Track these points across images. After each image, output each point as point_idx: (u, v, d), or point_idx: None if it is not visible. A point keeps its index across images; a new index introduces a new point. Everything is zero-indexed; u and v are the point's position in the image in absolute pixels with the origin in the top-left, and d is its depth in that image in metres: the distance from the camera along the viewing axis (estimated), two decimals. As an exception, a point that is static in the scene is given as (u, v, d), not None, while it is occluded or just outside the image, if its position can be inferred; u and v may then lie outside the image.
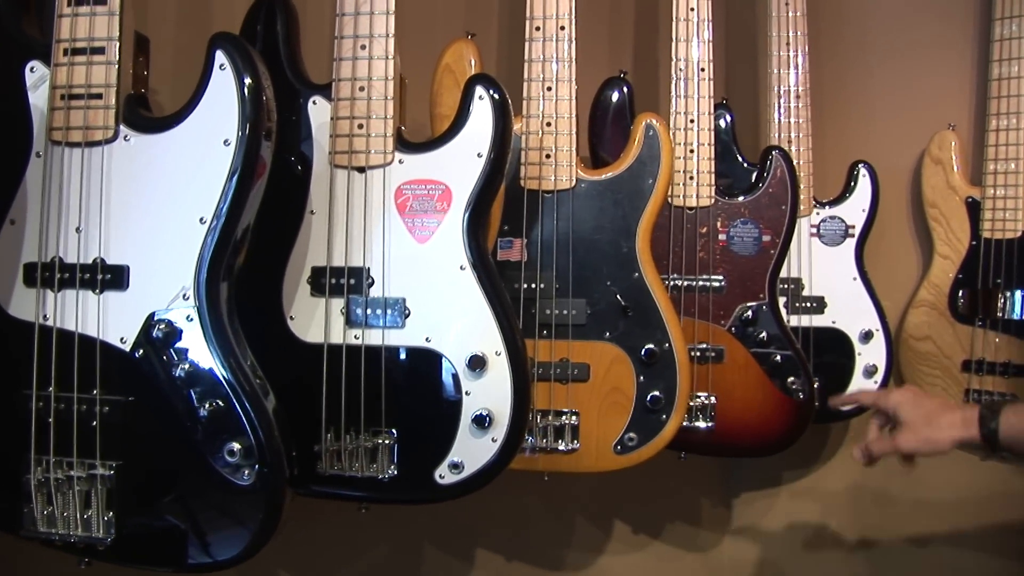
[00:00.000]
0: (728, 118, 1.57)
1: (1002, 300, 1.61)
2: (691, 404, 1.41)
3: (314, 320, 1.09)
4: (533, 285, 1.24)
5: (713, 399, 1.42)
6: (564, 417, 1.24)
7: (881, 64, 1.78)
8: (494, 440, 1.07)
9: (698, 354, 1.41)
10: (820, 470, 1.88)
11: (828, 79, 1.79)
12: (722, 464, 1.89)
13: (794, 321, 1.59)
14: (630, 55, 1.73)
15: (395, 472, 1.08)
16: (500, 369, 1.07)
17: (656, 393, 1.22)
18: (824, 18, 1.79)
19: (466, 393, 1.07)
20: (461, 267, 1.07)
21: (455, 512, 1.49)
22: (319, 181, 1.10)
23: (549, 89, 1.24)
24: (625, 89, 1.44)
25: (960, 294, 1.65)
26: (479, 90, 1.08)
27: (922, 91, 1.76)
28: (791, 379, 1.42)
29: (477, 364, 1.06)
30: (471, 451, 1.07)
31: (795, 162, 1.58)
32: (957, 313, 1.66)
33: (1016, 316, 1.61)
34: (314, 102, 1.10)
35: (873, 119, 1.79)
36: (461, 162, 1.08)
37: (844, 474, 1.86)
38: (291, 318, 1.10)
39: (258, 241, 1.11)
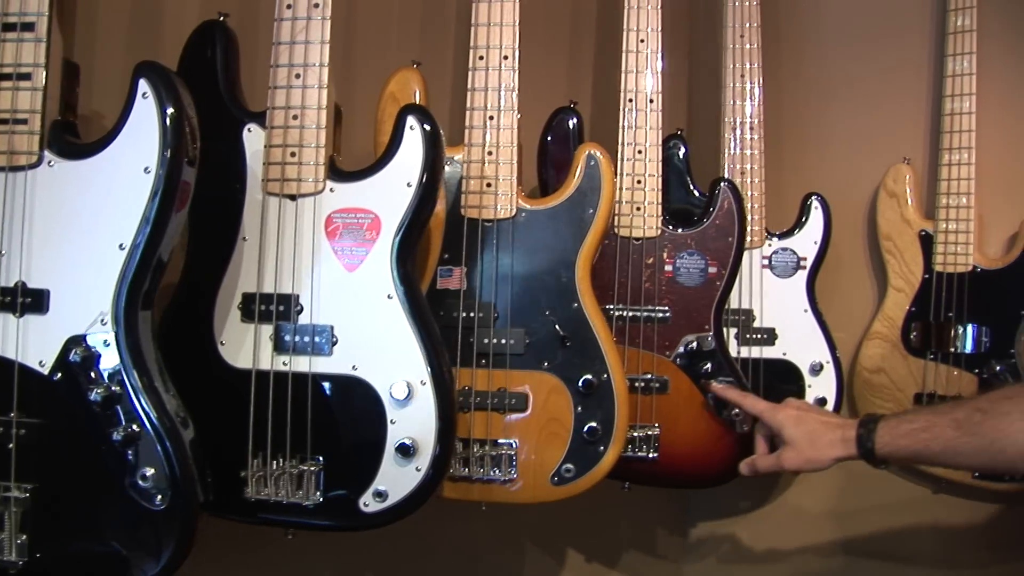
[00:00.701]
0: (683, 149, 1.58)
1: (953, 334, 1.61)
2: (635, 435, 1.41)
3: (244, 346, 1.09)
4: (472, 314, 1.24)
5: (657, 430, 1.42)
6: (501, 447, 1.24)
7: (839, 97, 1.80)
8: (418, 469, 1.07)
9: (643, 385, 1.41)
10: (777, 499, 1.88)
11: (787, 111, 1.80)
12: (679, 493, 1.89)
13: (745, 352, 1.59)
14: (589, 85, 1.74)
15: (320, 499, 1.08)
16: (425, 399, 1.07)
17: (593, 424, 1.22)
18: (784, 50, 1.80)
19: (391, 422, 1.07)
20: (388, 296, 1.08)
21: (401, 539, 1.48)
22: (252, 208, 1.10)
23: (491, 118, 1.25)
24: (575, 119, 1.45)
25: (913, 327, 1.66)
26: (410, 120, 1.08)
27: (880, 124, 1.77)
28: (735, 411, 1.42)
29: (402, 393, 1.06)
30: (395, 480, 1.07)
31: (749, 193, 1.59)
32: (910, 346, 1.66)
33: (967, 350, 1.61)
34: (249, 129, 1.11)
35: (831, 151, 1.80)
36: (390, 192, 1.08)
37: (802, 501, 1.85)
38: (222, 343, 1.10)
39: (193, 266, 1.13)
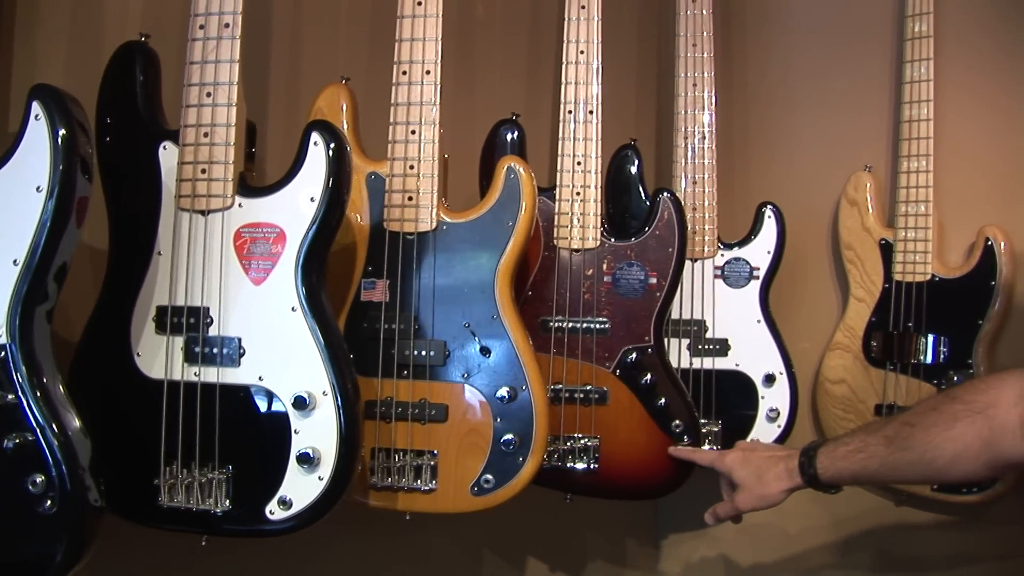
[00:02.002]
0: (636, 159, 1.58)
1: (913, 344, 1.58)
2: (574, 446, 1.42)
3: (158, 357, 1.12)
4: (394, 326, 1.26)
5: (597, 441, 1.42)
6: (422, 457, 1.26)
7: (803, 104, 1.78)
8: (320, 478, 1.09)
9: (582, 396, 1.42)
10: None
11: (751, 120, 1.79)
12: (648, 503, 1.88)
13: (697, 364, 1.59)
14: (549, 97, 1.75)
15: (229, 506, 1.11)
16: (327, 409, 1.09)
17: (511, 436, 1.23)
18: (744, 59, 1.80)
19: (295, 431, 1.09)
20: (292, 308, 1.10)
21: (352, 549, 1.51)
22: (166, 223, 1.13)
23: (413, 132, 1.27)
24: (515, 132, 1.46)
25: (873, 337, 1.63)
26: (314, 136, 1.11)
27: (844, 132, 1.75)
28: (675, 422, 1.42)
29: (304, 404, 1.08)
30: (299, 488, 1.09)
31: (702, 203, 1.59)
32: (871, 356, 1.64)
33: (927, 360, 1.58)
34: (164, 147, 1.14)
35: (795, 160, 1.79)
36: (295, 206, 1.11)
37: (771, 513, 1.82)
38: (138, 355, 1.13)
39: (112, 279, 1.16)
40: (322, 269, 1.13)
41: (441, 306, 1.26)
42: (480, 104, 1.64)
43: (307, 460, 1.08)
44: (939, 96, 1.58)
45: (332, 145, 1.11)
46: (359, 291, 1.28)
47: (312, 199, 1.10)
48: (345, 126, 1.30)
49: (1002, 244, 1.54)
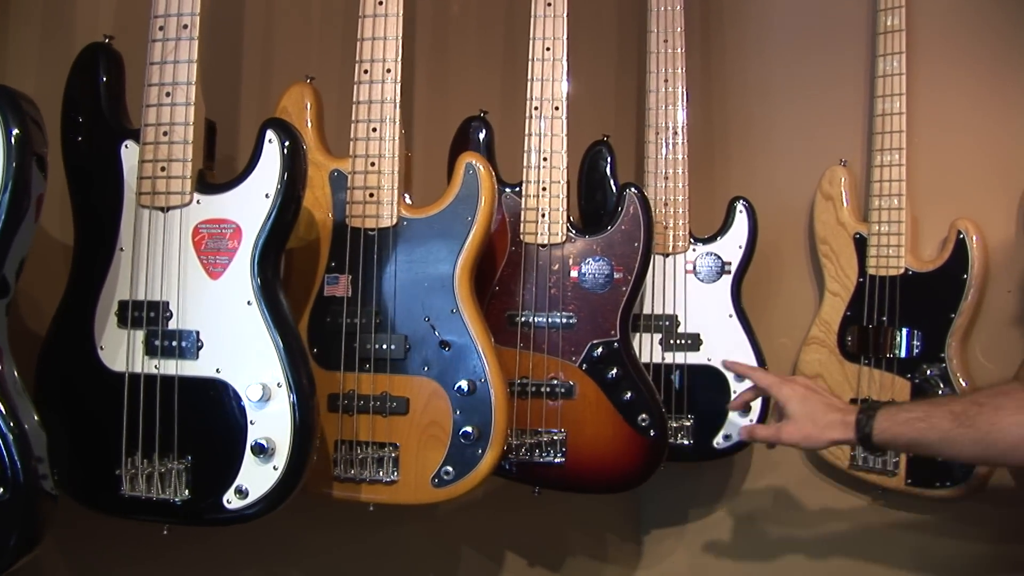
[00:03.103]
0: (608, 155, 1.59)
1: (887, 338, 1.58)
2: (541, 439, 1.43)
3: (120, 350, 1.15)
4: (356, 320, 1.28)
5: (563, 435, 1.43)
6: (384, 449, 1.28)
7: (779, 100, 1.79)
8: (276, 468, 1.11)
9: (548, 390, 1.43)
10: (729, 506, 1.87)
11: (729, 115, 1.80)
12: (631, 497, 1.89)
13: (669, 358, 1.59)
14: (524, 93, 1.76)
15: (188, 496, 1.13)
16: (282, 400, 1.11)
17: (470, 428, 1.24)
18: (719, 55, 1.80)
19: (251, 422, 1.12)
20: (248, 302, 1.12)
21: (330, 543, 1.53)
22: (128, 220, 1.16)
23: (374, 130, 1.29)
24: (484, 128, 1.48)
25: (848, 332, 1.63)
26: (268, 134, 1.13)
27: (820, 127, 1.76)
28: (642, 416, 1.43)
29: (260, 395, 1.11)
30: (255, 478, 1.11)
31: (673, 198, 1.60)
32: (846, 351, 1.64)
33: (900, 355, 1.58)
34: (126, 146, 1.17)
35: (772, 155, 1.80)
36: (251, 203, 1.13)
37: (754, 509, 1.84)
38: (101, 348, 1.16)
39: (77, 275, 1.19)
40: (277, 264, 1.16)
41: (402, 300, 1.28)
42: (454, 101, 1.65)
43: (262, 450, 1.10)
44: (911, 90, 1.58)
45: (287, 142, 1.13)
46: (323, 286, 1.30)
47: (267, 195, 1.12)
48: (309, 124, 1.33)
49: (974, 237, 1.54)
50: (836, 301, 1.65)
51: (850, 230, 1.64)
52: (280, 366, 1.11)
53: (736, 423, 1.56)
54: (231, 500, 1.12)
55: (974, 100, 1.62)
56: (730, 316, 1.59)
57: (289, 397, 1.11)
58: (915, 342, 1.56)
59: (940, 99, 1.62)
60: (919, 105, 1.60)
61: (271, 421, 1.11)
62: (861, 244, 1.62)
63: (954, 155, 1.62)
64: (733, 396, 1.58)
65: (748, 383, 1.57)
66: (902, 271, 1.58)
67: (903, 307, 1.58)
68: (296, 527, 1.46)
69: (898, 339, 1.58)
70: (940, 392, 1.52)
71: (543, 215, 1.44)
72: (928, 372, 1.54)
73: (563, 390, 1.43)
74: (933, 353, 1.55)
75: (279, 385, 1.11)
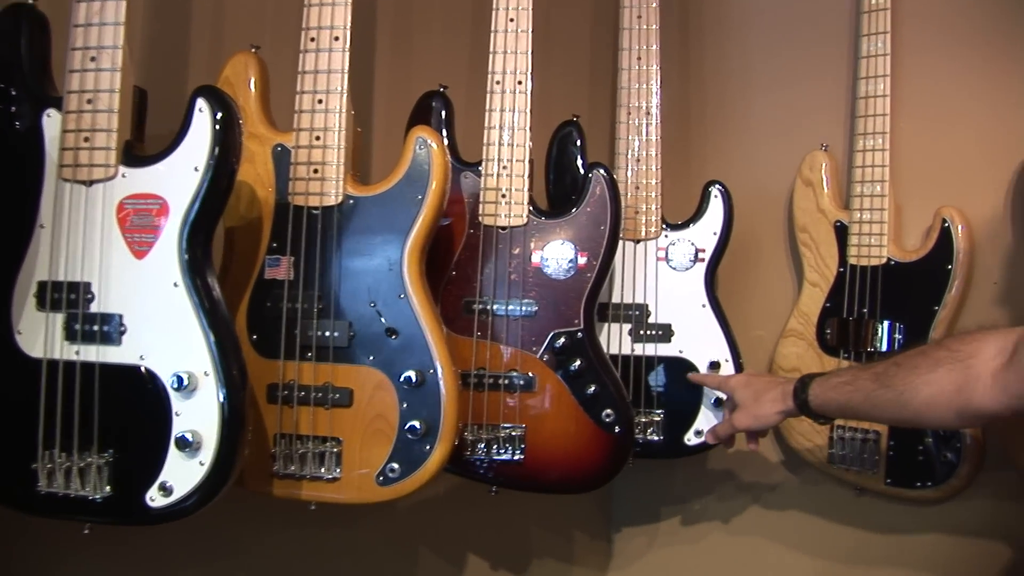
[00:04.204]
0: (577, 135, 1.51)
1: (868, 331, 1.51)
2: (499, 435, 1.35)
3: (38, 335, 1.07)
4: (298, 305, 1.20)
5: (522, 430, 1.35)
6: (326, 444, 1.20)
7: (759, 81, 1.71)
8: (202, 464, 1.03)
9: (507, 382, 1.35)
10: (702, 504, 1.79)
11: (708, 96, 1.72)
12: (601, 494, 1.81)
13: (639, 350, 1.52)
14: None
15: (108, 492, 1.05)
16: (208, 390, 1.03)
17: (416, 423, 1.16)
18: (697, 33, 1.72)
19: (176, 414, 1.03)
20: (175, 284, 1.04)
21: (278, 541, 1.45)
22: (49, 195, 1.08)
23: (320, 102, 1.20)
24: (444, 106, 1.40)
25: (828, 324, 1.56)
26: (199, 103, 1.05)
27: (801, 110, 1.68)
28: (607, 411, 1.35)
29: (185, 384, 1.02)
30: (180, 474, 1.03)
31: (645, 181, 1.52)
32: (825, 344, 1.56)
33: (882, 348, 1.50)
34: (48, 115, 1.08)
35: (751, 138, 1.72)
36: (179, 176, 1.04)
37: (727, 507, 1.77)
38: (19, 332, 1.07)
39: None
40: (208, 244, 1.07)
41: (347, 284, 1.20)
42: (417, 75, 1.57)
43: (186, 444, 1.02)
44: (896, 71, 1.51)
45: (219, 112, 1.05)
46: (263, 268, 1.22)
47: (196, 169, 1.04)
48: (252, 96, 1.24)
49: (959, 226, 1.46)
50: (815, 292, 1.58)
51: (831, 218, 1.56)
52: (208, 353, 1.03)
53: (709, 418, 1.48)
54: (154, 498, 1.04)
55: (961, 83, 1.55)
56: (703, 306, 1.51)
57: (217, 387, 1.03)
58: (897, 335, 1.49)
59: (926, 82, 1.55)
60: (904, 88, 1.53)
61: (197, 413, 1.03)
62: (842, 232, 1.55)
63: (939, 140, 1.54)
64: (706, 389, 1.50)
65: (722, 374, 1.51)
66: (884, 261, 1.50)
67: (885, 299, 1.50)
68: (241, 524, 1.37)
69: (879, 332, 1.50)
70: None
71: (503, 196, 1.36)
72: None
73: (522, 383, 1.35)
74: (915, 347, 1.47)
75: (206, 374, 1.03)
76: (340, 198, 1.19)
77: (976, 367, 1.03)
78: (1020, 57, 1.49)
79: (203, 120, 1.04)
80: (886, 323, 1.50)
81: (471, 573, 1.69)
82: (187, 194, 1.04)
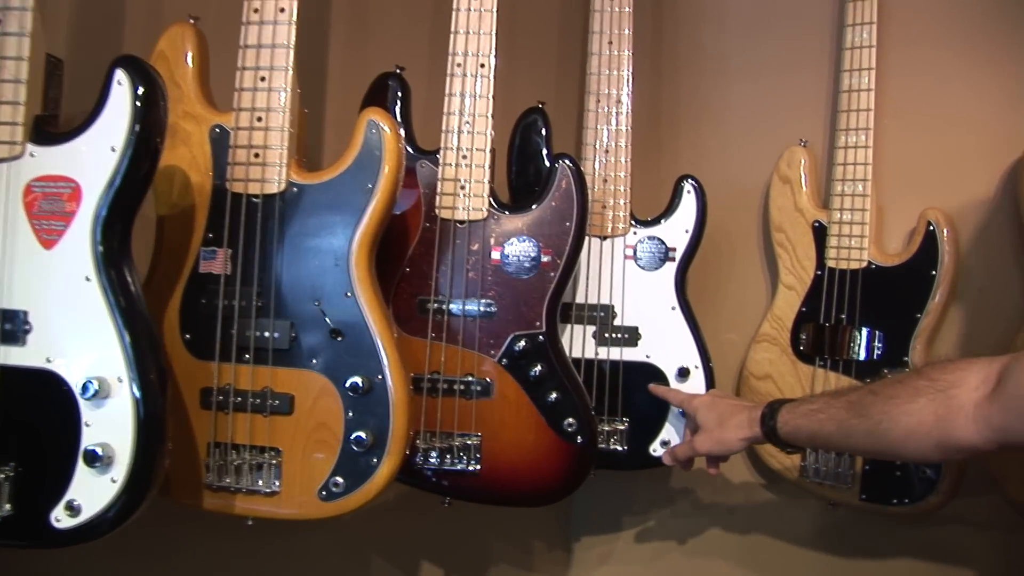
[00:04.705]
0: (542, 123, 1.40)
1: (845, 339, 1.42)
2: (453, 444, 1.25)
3: (-66, 334, 0.95)
4: (235, 302, 1.09)
5: (478, 439, 1.25)
6: (264, 455, 1.09)
7: (737, 73, 1.62)
8: (114, 480, 0.92)
9: (462, 388, 1.25)
10: (664, 511, 1.71)
11: (680, 86, 1.63)
12: (562, 503, 1.72)
13: (603, 354, 1.42)
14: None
15: (9, 511, 0.94)
16: (122, 398, 0.92)
17: (362, 434, 1.06)
18: (680, 24, 1.63)
19: (85, 424, 0.93)
20: (87, 278, 0.93)
21: (216, 550, 1.34)
22: (-50, 175, 0.96)
23: (263, 79, 1.09)
24: (401, 89, 1.30)
25: (803, 330, 1.47)
26: (118, 74, 0.93)
27: (780, 104, 1.59)
28: (568, 420, 1.25)
29: (95, 391, 0.91)
30: (89, 492, 0.92)
31: (613, 174, 1.42)
32: (799, 350, 1.48)
33: (860, 357, 1.42)
34: (-51, 85, 0.96)
35: (727, 132, 1.63)
36: (94, 157, 0.93)
37: (689, 515, 1.68)
38: (-90, 329, 0.95)
39: None
40: (126, 234, 0.96)
41: (289, 280, 1.09)
42: (373, 56, 1.46)
43: (96, 459, 0.91)
44: (882, 64, 1.42)
45: (140, 87, 0.93)
46: (198, 261, 1.11)
47: (113, 149, 0.93)
48: (189, 72, 1.12)
49: (945, 230, 1.38)
50: (791, 295, 1.49)
51: (809, 217, 1.48)
52: (123, 357, 0.92)
53: (677, 428, 1.40)
54: (60, 518, 0.93)
55: (951, 79, 1.47)
56: (673, 308, 1.42)
57: (132, 395, 0.92)
58: (876, 343, 1.41)
59: (913, 76, 1.46)
60: (890, 82, 1.45)
61: (109, 424, 0.92)
62: (820, 233, 1.46)
63: (926, 138, 1.46)
64: (674, 398, 1.41)
65: (692, 381, 1.42)
66: (864, 264, 1.42)
67: (864, 304, 1.42)
68: (172, 528, 1.26)
69: (857, 339, 1.42)
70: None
71: (462, 187, 1.25)
72: (889, 378, 1.38)
73: (479, 388, 1.25)
74: (896, 356, 1.40)
75: (120, 380, 0.92)
76: (283, 185, 1.08)
77: (958, 397, 0.96)
78: (1014, 53, 1.41)
79: (122, 94, 0.93)
80: (865, 330, 1.42)
81: (425, 580, 1.59)
82: (103, 177, 0.93)
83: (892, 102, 1.45)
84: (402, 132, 1.28)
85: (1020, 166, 1.33)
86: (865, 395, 1.07)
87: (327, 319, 1.08)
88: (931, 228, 1.39)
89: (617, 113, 1.43)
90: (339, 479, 1.08)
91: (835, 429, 1.09)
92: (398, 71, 1.30)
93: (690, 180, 1.43)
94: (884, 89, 1.43)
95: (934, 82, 1.47)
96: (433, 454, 1.25)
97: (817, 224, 1.47)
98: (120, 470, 0.92)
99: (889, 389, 1.04)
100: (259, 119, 1.09)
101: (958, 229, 1.39)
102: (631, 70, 1.43)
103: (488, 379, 1.25)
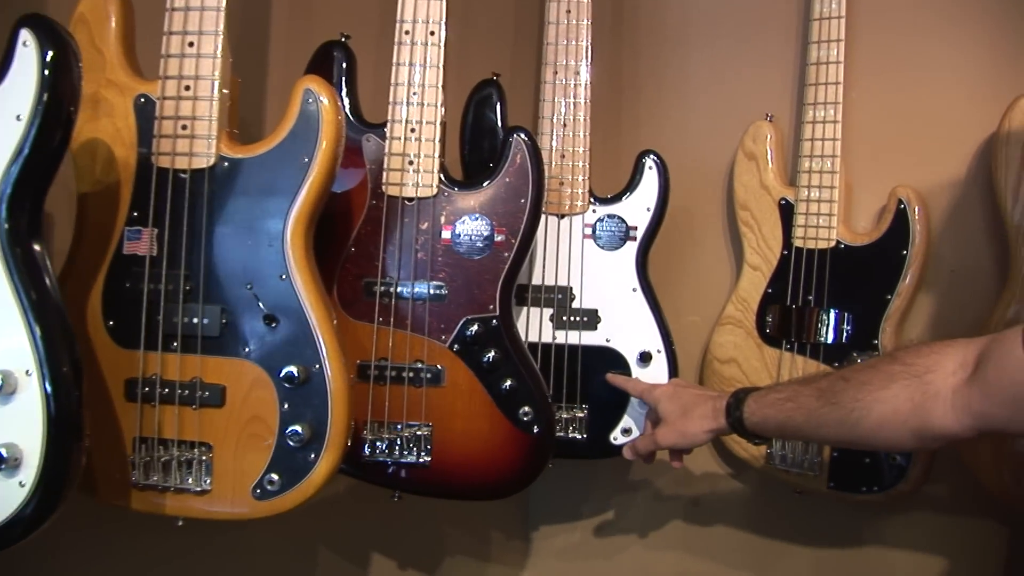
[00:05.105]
0: (497, 96, 1.33)
1: (813, 321, 1.37)
2: (400, 435, 1.19)
3: None
4: (161, 286, 1.01)
5: (428, 430, 1.19)
6: (193, 450, 1.01)
7: (700, 44, 1.56)
8: (22, 484, 0.84)
9: (411, 375, 1.18)
10: (624, 501, 1.66)
11: (640, 57, 1.56)
12: (520, 494, 1.66)
13: (561, 338, 1.36)
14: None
15: (-92, 519, 0.85)
16: (31, 394, 0.84)
17: (298, 428, 0.99)
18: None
19: (-9, 422, 0.84)
20: (-9, 262, 0.84)
21: (155, 544, 1.26)
22: None
23: (191, 45, 1.01)
24: (345, 58, 1.22)
25: (769, 312, 1.42)
26: (23, 35, 0.84)
27: (745, 77, 1.53)
28: (524, 409, 1.19)
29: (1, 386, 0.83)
30: (-3, 496, 0.84)
31: (571, 149, 1.35)
32: (765, 333, 1.42)
33: (827, 340, 1.37)
34: None
35: (690, 106, 1.57)
36: (-3, 127, 0.84)
37: (650, 503, 1.64)
38: None
39: None
40: (37, 212, 0.87)
41: (219, 262, 1.01)
42: (319, 23, 1.38)
43: (1, 461, 0.83)
44: (852, 36, 1.36)
45: (50, 50, 0.84)
46: (122, 242, 1.02)
47: (19, 118, 0.84)
48: (112, 37, 1.04)
49: (916, 208, 1.33)
50: (756, 276, 1.44)
51: (775, 195, 1.42)
52: (31, 348, 0.84)
53: (640, 415, 1.34)
54: (-36, 524, 0.85)
55: (923, 52, 1.41)
56: (634, 290, 1.36)
57: (43, 390, 0.84)
58: (845, 326, 1.36)
59: (884, 49, 1.41)
60: (859, 55, 1.39)
61: (16, 422, 0.84)
62: (787, 211, 1.41)
63: (897, 113, 1.41)
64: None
65: (654, 366, 1.36)
66: (833, 244, 1.37)
67: (832, 286, 1.37)
68: (108, 523, 1.17)
69: (825, 322, 1.37)
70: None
71: (411, 162, 1.18)
72: (859, 360, 1.34)
73: (429, 375, 1.18)
74: (865, 339, 1.35)
75: (28, 373, 0.84)
76: (213, 159, 1.00)
77: (935, 383, 0.91)
78: (989, 30, 1.36)
79: (29, 58, 0.84)
80: (833, 312, 1.37)
81: (376, 574, 1.52)
82: (7, 149, 0.84)
83: (862, 75, 1.39)
84: (346, 103, 1.21)
85: (995, 142, 1.28)
86: (836, 382, 1.01)
87: (260, 304, 1.00)
88: (902, 206, 1.33)
89: (575, 85, 1.36)
90: (274, 476, 1.00)
91: (804, 419, 1.04)
92: (343, 39, 1.22)
93: (652, 156, 1.36)
94: (854, 62, 1.37)
95: (906, 55, 1.41)
96: (381, 446, 1.18)
97: (784, 202, 1.41)
98: (29, 473, 0.84)
99: (861, 375, 0.99)
100: (187, 88, 1.01)
101: (930, 207, 1.34)
102: (590, 40, 1.36)
103: (439, 366, 1.18)
